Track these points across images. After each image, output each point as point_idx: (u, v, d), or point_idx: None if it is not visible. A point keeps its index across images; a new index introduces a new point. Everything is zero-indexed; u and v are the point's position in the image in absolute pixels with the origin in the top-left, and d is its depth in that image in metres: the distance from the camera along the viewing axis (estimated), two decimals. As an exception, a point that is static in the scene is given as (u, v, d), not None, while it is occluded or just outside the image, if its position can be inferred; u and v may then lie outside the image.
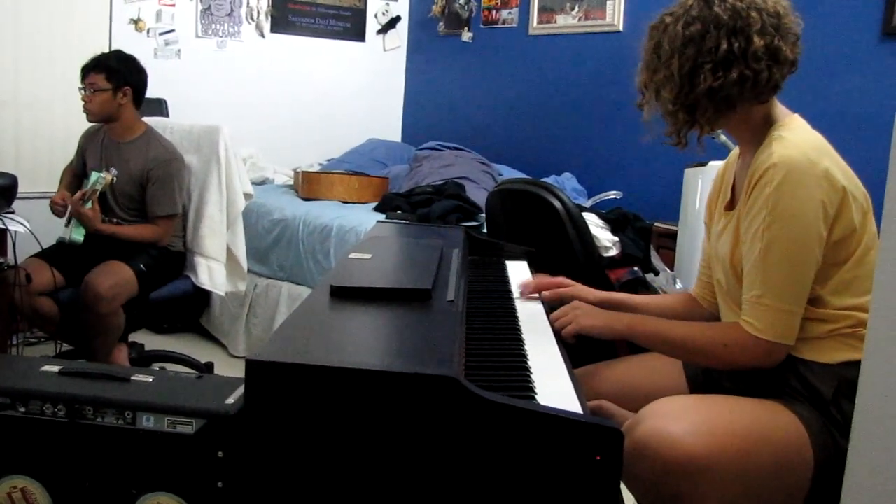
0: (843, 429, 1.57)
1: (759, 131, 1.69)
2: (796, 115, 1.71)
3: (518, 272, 2.32)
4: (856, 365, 1.56)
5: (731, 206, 1.79)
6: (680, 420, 1.53)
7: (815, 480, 1.58)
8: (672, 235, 3.48)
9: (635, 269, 3.36)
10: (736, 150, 1.87)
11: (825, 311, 1.62)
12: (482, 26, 5.35)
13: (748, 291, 1.61)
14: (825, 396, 1.60)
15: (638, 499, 1.63)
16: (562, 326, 1.79)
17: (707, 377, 1.87)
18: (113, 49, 3.56)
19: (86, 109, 3.33)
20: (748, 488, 1.55)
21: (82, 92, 3.31)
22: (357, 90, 5.71)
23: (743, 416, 1.59)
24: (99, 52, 3.43)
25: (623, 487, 1.56)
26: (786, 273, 1.57)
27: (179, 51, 4.89)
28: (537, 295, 2.06)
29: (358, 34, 5.70)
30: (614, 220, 3.63)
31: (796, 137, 1.61)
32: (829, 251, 1.59)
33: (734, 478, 1.52)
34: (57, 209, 3.29)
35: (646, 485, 1.55)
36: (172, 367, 3.56)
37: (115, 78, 3.30)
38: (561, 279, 2.05)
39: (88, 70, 3.31)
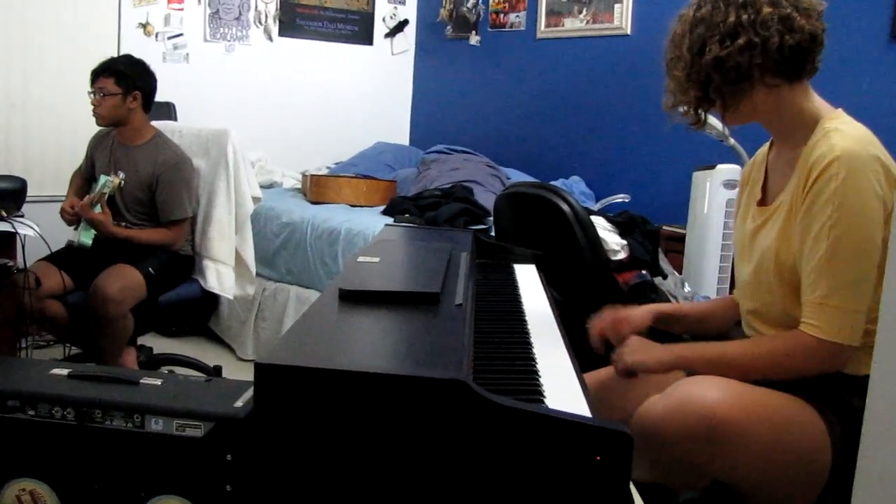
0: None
1: (798, 123, 1.66)
2: (840, 109, 1.68)
3: (526, 275, 2.32)
4: None
5: (763, 201, 1.75)
6: (718, 388, 1.53)
7: (828, 485, 1.57)
8: (680, 239, 3.47)
9: (643, 272, 3.35)
10: (764, 148, 1.84)
11: (867, 322, 1.57)
12: (490, 30, 5.35)
13: (811, 293, 1.56)
14: (857, 408, 1.58)
15: (659, 473, 1.62)
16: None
17: None
18: (122, 53, 3.56)
19: (95, 114, 3.33)
20: (772, 469, 1.55)
21: (91, 96, 3.32)
22: (365, 94, 5.71)
23: (773, 399, 1.57)
24: (108, 57, 3.44)
25: (633, 489, 1.56)
26: (853, 272, 1.52)
27: (188, 55, 4.91)
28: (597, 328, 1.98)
29: (366, 38, 5.70)
30: (622, 224, 3.62)
31: (850, 130, 1.58)
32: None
33: (762, 453, 1.52)
34: (67, 217, 3.30)
35: (676, 450, 1.52)
36: (181, 371, 3.56)
37: (125, 82, 3.31)
38: (615, 316, 1.94)
39: (98, 74, 3.32)
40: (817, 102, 1.68)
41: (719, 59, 1.61)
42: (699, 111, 1.70)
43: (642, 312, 1.95)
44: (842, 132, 1.57)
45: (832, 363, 1.57)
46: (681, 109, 1.72)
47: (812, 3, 1.66)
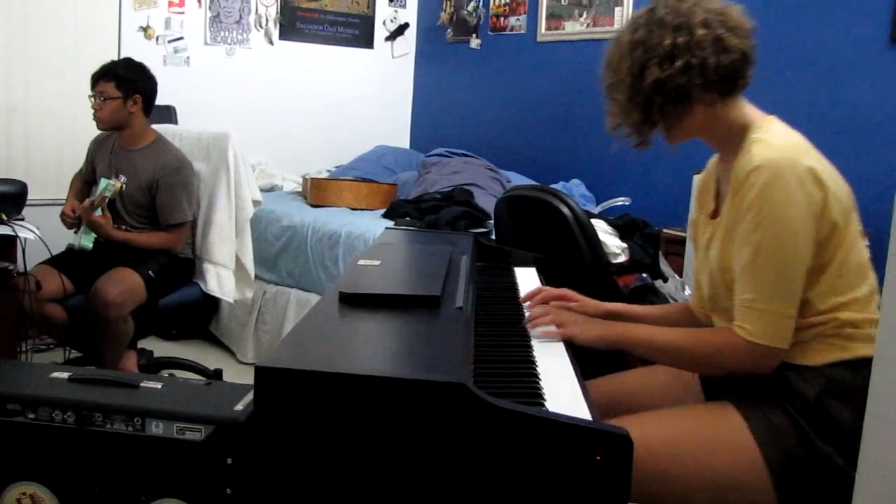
0: (825, 431, 1.58)
1: (735, 136, 1.70)
2: (772, 117, 1.72)
3: (527, 278, 2.32)
4: (842, 365, 1.60)
5: (715, 214, 1.80)
6: (643, 425, 1.59)
7: (781, 485, 1.59)
8: (681, 241, 3.47)
9: (644, 275, 3.36)
10: (714, 159, 1.88)
11: (812, 315, 1.63)
12: (490, 33, 5.35)
13: (740, 296, 1.61)
14: (808, 399, 1.60)
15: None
16: (538, 324, 1.78)
17: (711, 385, 1.87)
18: (122, 57, 3.56)
19: (96, 117, 3.34)
20: (715, 493, 1.60)
21: (92, 100, 3.32)
22: (365, 97, 5.72)
23: (694, 425, 1.65)
24: (108, 60, 3.44)
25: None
26: (776, 275, 1.57)
27: (188, 58, 4.91)
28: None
29: (366, 41, 5.71)
30: (623, 227, 3.62)
31: (775, 138, 1.62)
32: (815, 251, 1.59)
33: (698, 482, 1.59)
34: (67, 221, 3.30)
35: None
36: (181, 374, 3.56)
37: (126, 86, 3.31)
38: (565, 292, 2.02)
39: (98, 78, 3.32)
40: (749, 113, 1.72)
41: (660, 82, 1.66)
42: (643, 132, 1.74)
43: (593, 304, 2.00)
44: (762, 142, 1.61)
45: (761, 364, 1.61)
46: (625, 131, 1.76)
47: (740, 22, 1.70)
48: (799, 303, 1.59)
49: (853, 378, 1.59)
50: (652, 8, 1.71)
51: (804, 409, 1.60)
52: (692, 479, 1.59)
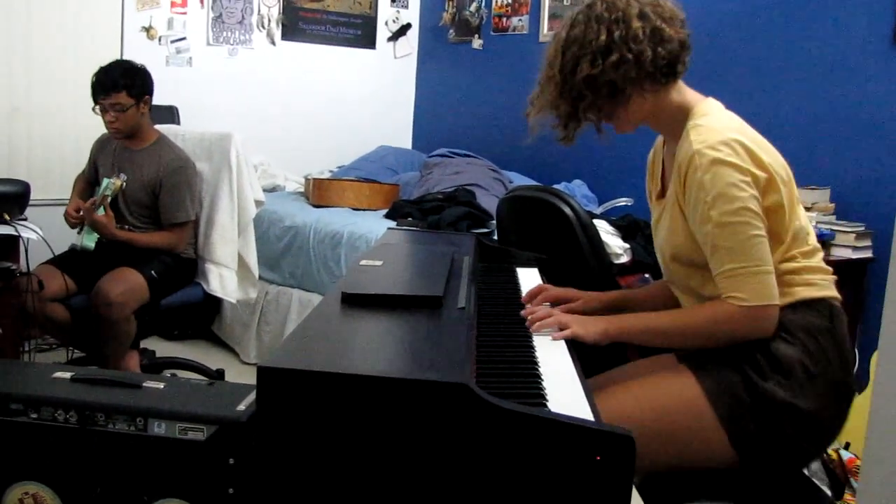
0: (767, 369, 1.67)
1: (677, 121, 1.76)
2: (709, 99, 1.79)
3: (529, 279, 2.31)
4: (786, 308, 1.69)
5: (662, 194, 1.87)
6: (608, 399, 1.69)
7: (735, 437, 1.67)
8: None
9: (646, 275, 3.36)
10: (660, 139, 1.95)
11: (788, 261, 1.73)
12: (492, 33, 5.35)
13: (719, 269, 1.66)
14: (752, 343, 1.69)
15: None
16: (543, 326, 1.79)
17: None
18: (115, 60, 3.47)
19: (113, 129, 3.30)
20: (680, 450, 1.69)
21: (103, 113, 3.27)
22: (368, 97, 5.72)
23: (654, 392, 1.73)
24: (106, 65, 3.32)
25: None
26: (743, 239, 1.63)
27: (191, 58, 4.91)
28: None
29: (368, 42, 5.71)
30: (625, 227, 3.62)
31: (710, 122, 1.69)
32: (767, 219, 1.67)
33: (661, 444, 1.68)
34: (71, 221, 3.30)
35: None
36: (184, 374, 3.56)
37: (135, 91, 3.29)
38: (567, 291, 2.03)
39: (107, 91, 3.25)
40: (689, 97, 1.79)
41: (591, 77, 1.71)
42: (568, 127, 1.80)
43: (595, 297, 2.03)
44: (699, 127, 1.69)
45: (762, 325, 1.67)
46: (552, 126, 1.82)
47: (674, 13, 1.75)
48: (771, 257, 1.66)
49: (794, 316, 1.70)
50: (591, 3, 1.75)
51: (748, 355, 1.69)
52: (656, 442, 1.66)
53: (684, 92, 1.78)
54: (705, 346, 1.76)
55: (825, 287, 1.76)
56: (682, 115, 1.76)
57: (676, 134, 1.76)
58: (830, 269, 1.80)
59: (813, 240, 1.80)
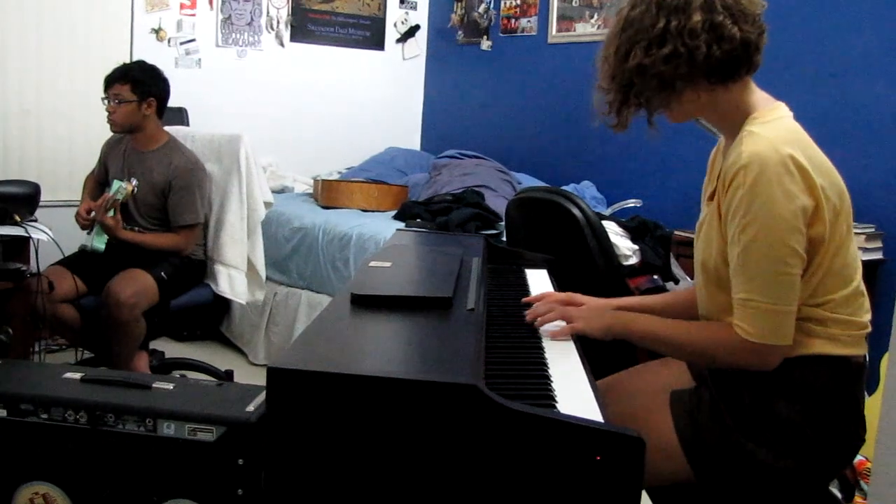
0: (757, 429, 1.61)
1: (735, 122, 1.65)
2: (778, 104, 1.67)
3: (538, 280, 2.31)
4: (798, 361, 1.60)
5: (712, 196, 1.73)
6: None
7: (705, 481, 1.65)
8: (692, 243, 3.46)
9: (655, 277, 3.35)
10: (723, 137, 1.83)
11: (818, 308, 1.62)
12: (501, 35, 5.35)
13: (736, 294, 1.58)
14: (743, 401, 1.63)
15: None
16: (546, 321, 1.77)
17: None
18: (135, 59, 3.57)
19: (110, 120, 3.34)
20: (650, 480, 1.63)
21: (105, 103, 3.33)
22: (376, 99, 5.72)
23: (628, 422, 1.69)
24: (121, 62, 3.45)
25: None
26: (767, 273, 1.53)
27: (200, 60, 4.93)
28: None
29: (377, 43, 5.71)
30: (634, 229, 3.61)
31: (767, 131, 1.57)
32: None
33: None
34: (82, 221, 3.31)
35: None
36: (193, 375, 3.57)
37: (140, 89, 3.31)
38: (570, 296, 1.98)
39: (113, 81, 3.32)
40: (753, 98, 1.66)
41: (642, 67, 1.60)
42: (620, 113, 1.69)
43: (602, 304, 1.96)
44: (755, 136, 1.56)
45: (759, 362, 1.59)
46: (604, 111, 1.72)
47: (750, 8, 1.60)
48: (796, 298, 1.55)
49: (803, 373, 1.60)
50: None
51: (739, 407, 1.63)
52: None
53: (749, 92, 1.66)
54: (704, 364, 1.73)
55: (850, 345, 1.62)
56: (740, 118, 1.64)
57: (733, 135, 1.65)
58: (867, 319, 1.66)
59: (858, 282, 1.65)
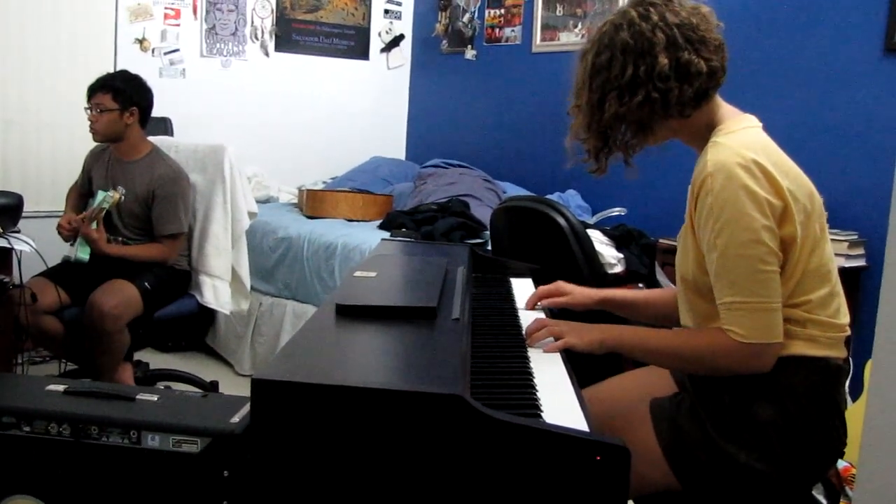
0: (737, 431, 1.61)
1: (705, 136, 1.69)
2: (745, 116, 1.70)
3: (523, 289, 2.31)
4: (778, 363, 1.60)
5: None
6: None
7: (689, 487, 1.65)
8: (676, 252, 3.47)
9: (640, 285, 3.36)
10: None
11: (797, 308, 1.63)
12: (485, 44, 5.36)
13: (720, 300, 1.59)
14: (724, 402, 1.64)
15: None
16: (539, 338, 1.77)
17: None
18: (119, 69, 3.56)
19: (92, 129, 3.33)
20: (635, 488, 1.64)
21: (88, 112, 3.32)
22: (361, 108, 5.73)
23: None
24: (105, 72, 3.44)
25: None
26: (746, 273, 1.55)
27: (184, 70, 4.92)
28: (538, 306, 2.06)
29: (362, 53, 5.72)
30: (619, 237, 3.63)
31: (731, 140, 1.61)
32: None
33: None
34: (64, 233, 3.29)
35: None
36: (177, 386, 3.55)
37: (122, 98, 3.31)
38: (558, 285, 2.04)
39: (95, 90, 3.31)
40: (722, 112, 1.70)
41: (619, 115, 1.65)
42: (599, 159, 1.74)
43: (587, 294, 2.02)
44: (718, 145, 1.61)
45: (755, 363, 1.59)
46: (581, 159, 1.76)
47: (708, 35, 1.66)
48: (780, 294, 1.57)
49: (781, 375, 1.60)
50: (618, 24, 1.67)
51: (718, 410, 1.64)
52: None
53: (717, 106, 1.70)
54: (700, 373, 1.71)
55: (829, 346, 1.64)
56: (709, 132, 1.68)
57: (701, 148, 1.69)
58: (845, 322, 1.67)
59: (834, 283, 1.66)
